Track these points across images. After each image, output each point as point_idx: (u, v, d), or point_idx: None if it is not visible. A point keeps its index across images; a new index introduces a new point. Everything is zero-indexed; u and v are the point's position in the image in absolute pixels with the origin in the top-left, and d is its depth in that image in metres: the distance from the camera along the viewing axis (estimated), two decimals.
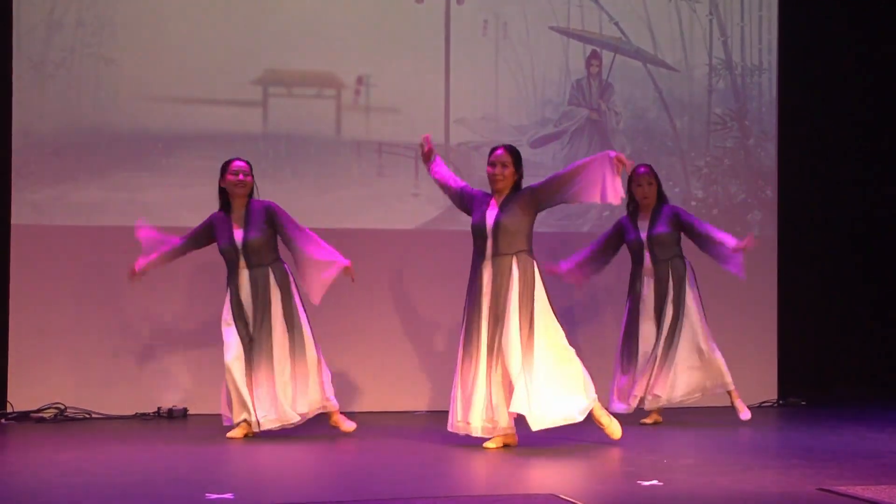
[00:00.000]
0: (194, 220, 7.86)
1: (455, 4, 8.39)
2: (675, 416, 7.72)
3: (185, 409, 7.82)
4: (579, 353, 6.36)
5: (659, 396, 7.37)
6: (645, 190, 7.47)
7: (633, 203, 7.55)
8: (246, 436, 6.71)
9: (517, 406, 6.19)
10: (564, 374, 6.29)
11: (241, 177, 6.76)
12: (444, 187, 6.64)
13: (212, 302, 7.88)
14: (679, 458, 6.09)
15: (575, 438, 6.67)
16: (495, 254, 6.36)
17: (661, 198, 7.54)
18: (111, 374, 7.78)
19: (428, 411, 8.12)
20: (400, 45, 8.30)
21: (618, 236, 7.60)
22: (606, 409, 6.64)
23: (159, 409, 7.79)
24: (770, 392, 8.68)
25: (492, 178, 6.45)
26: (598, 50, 8.64)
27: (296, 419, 6.69)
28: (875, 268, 9.53)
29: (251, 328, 6.69)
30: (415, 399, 8.19)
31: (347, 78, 8.23)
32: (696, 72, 8.79)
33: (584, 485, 5.42)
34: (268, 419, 6.64)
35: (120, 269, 7.81)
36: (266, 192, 7.75)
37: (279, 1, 8.18)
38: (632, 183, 7.50)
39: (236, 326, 6.68)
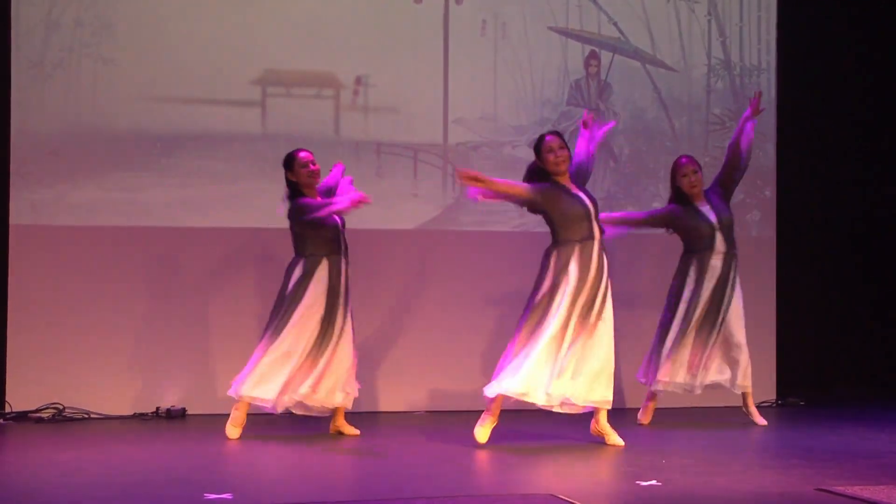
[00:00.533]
0: (194, 220, 7.88)
1: (454, 4, 8.39)
2: (674, 416, 7.73)
3: (184, 410, 7.81)
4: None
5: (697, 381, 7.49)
6: (692, 179, 7.48)
7: (681, 196, 7.54)
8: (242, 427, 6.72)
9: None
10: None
11: (311, 167, 6.89)
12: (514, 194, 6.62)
13: (211, 301, 7.88)
14: (678, 458, 6.09)
15: (573, 438, 6.67)
16: (601, 234, 6.57)
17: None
18: (110, 374, 7.77)
19: (427, 411, 8.11)
20: (398, 45, 8.30)
21: (668, 219, 7.57)
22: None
23: (158, 409, 7.78)
24: (769, 392, 8.67)
25: (555, 163, 6.54)
26: (597, 50, 8.64)
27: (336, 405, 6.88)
28: (874, 268, 9.53)
29: (337, 314, 6.78)
30: (414, 399, 8.19)
31: (346, 78, 8.23)
32: (694, 72, 8.79)
33: (582, 485, 5.42)
34: (317, 399, 6.77)
35: (117, 268, 7.82)
36: (265, 192, 7.77)
37: (278, 1, 8.18)
38: (676, 176, 7.52)
39: (326, 310, 6.74)
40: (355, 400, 8.04)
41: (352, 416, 7.14)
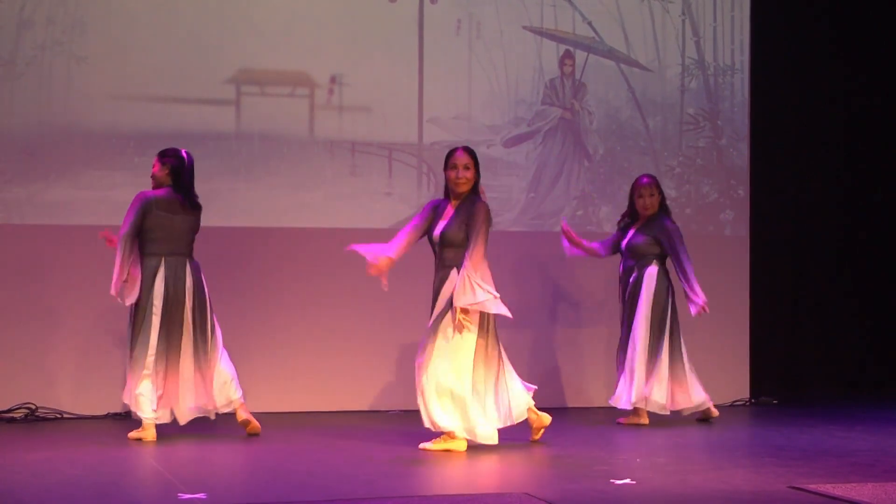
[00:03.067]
0: None
1: (428, 4, 8.38)
2: (648, 415, 7.74)
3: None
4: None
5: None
6: (646, 201, 7.54)
7: (631, 214, 7.62)
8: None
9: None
10: None
11: None
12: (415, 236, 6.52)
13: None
14: (652, 457, 6.11)
15: (547, 438, 6.68)
16: (458, 266, 6.30)
17: (663, 209, 7.62)
18: (82, 374, 7.73)
19: (401, 411, 8.11)
20: (373, 44, 8.28)
21: (616, 244, 7.69)
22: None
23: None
24: (742, 391, 8.71)
25: (455, 182, 6.37)
26: (572, 49, 8.66)
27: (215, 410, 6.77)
28: (848, 267, 9.59)
29: (195, 317, 6.69)
30: (387, 398, 8.18)
31: (321, 77, 8.21)
32: (668, 72, 8.82)
33: (557, 484, 5.43)
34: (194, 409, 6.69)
35: (91, 267, 7.77)
36: (238, 191, 7.75)
37: (252, 0, 8.15)
38: (633, 193, 7.58)
39: (174, 313, 6.64)
40: (328, 399, 8.06)
41: (324, 417, 7.12)
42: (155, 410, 6.57)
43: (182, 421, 6.70)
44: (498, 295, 6.20)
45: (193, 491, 4.97)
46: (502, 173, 8.21)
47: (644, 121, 8.77)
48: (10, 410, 7.52)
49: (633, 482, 5.27)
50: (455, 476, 5.69)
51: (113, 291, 6.57)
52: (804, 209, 9.44)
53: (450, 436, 6.22)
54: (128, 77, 7.87)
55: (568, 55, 8.65)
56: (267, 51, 8.11)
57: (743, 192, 8.91)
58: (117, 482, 5.38)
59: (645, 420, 7.38)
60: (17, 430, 7.15)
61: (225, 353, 6.80)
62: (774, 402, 8.68)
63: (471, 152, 6.42)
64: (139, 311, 6.61)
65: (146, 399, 6.55)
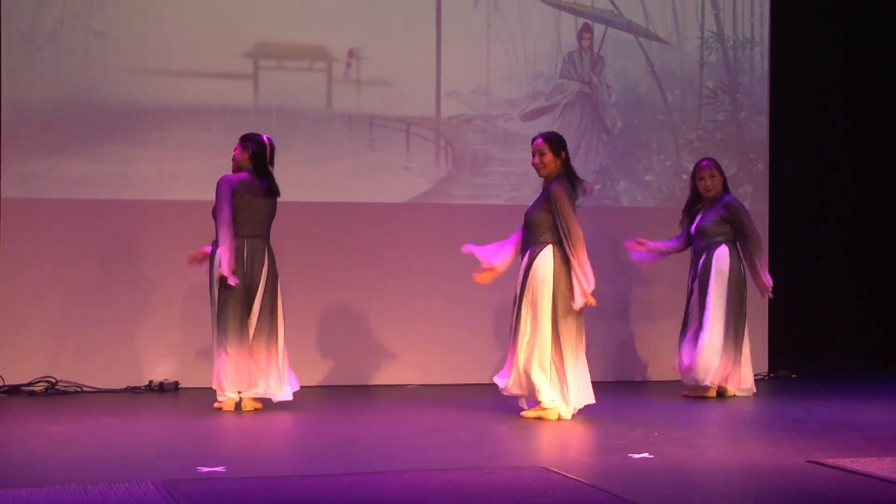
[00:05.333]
0: (185, 193, 7.86)
1: None
2: (665, 388, 7.75)
3: (177, 383, 7.81)
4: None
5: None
6: (707, 183, 7.60)
7: (694, 197, 7.66)
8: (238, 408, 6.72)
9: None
10: None
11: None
12: None
13: (204, 275, 7.86)
14: (670, 431, 6.11)
15: None
16: (531, 245, 6.53)
17: (725, 190, 7.69)
18: (102, 348, 7.76)
19: (420, 384, 8.13)
20: (391, 17, 8.25)
21: (687, 232, 7.74)
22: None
23: (151, 382, 7.78)
24: (760, 365, 8.69)
25: (535, 169, 6.66)
26: (590, 23, 8.61)
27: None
28: (864, 242, 9.55)
29: (265, 301, 6.79)
30: (406, 373, 8.19)
31: (338, 51, 8.19)
32: (687, 45, 8.77)
33: (574, 457, 5.44)
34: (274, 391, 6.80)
35: (109, 242, 7.81)
36: None
37: None
38: (695, 177, 7.65)
39: (251, 293, 6.78)
40: (347, 374, 8.08)
41: (343, 391, 7.12)
42: (240, 392, 6.72)
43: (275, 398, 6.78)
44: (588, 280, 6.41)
45: (212, 464, 4.99)
46: (520, 147, 8.16)
47: (663, 94, 8.72)
48: (30, 384, 7.57)
49: (651, 456, 5.28)
50: (473, 450, 5.71)
51: (226, 272, 6.59)
52: (824, 183, 9.38)
53: (541, 406, 6.44)
54: (145, 51, 7.87)
55: (586, 28, 8.61)
56: (284, 24, 8.09)
57: (762, 165, 8.87)
58: (137, 455, 5.42)
59: (713, 394, 7.48)
60: (38, 403, 7.19)
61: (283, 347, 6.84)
62: (793, 376, 8.66)
63: (546, 138, 6.60)
64: (223, 291, 6.69)
65: (229, 381, 6.66)
